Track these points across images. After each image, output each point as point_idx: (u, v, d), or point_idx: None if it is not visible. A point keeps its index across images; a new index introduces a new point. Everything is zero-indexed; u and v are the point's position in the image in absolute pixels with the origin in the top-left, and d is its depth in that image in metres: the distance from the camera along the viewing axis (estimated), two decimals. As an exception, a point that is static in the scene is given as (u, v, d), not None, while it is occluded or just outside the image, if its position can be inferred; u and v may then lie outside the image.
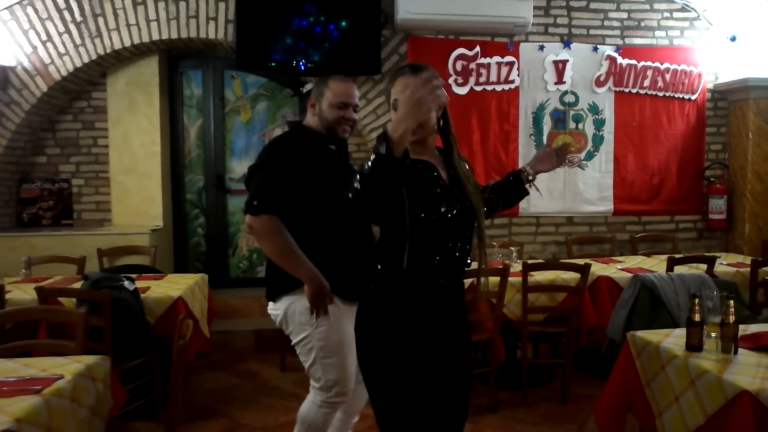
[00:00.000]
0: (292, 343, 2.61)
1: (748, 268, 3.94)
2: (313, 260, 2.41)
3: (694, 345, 2.35)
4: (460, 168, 2.00)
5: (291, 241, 2.39)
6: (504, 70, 5.16)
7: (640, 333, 2.63)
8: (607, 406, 2.70)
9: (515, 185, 2.25)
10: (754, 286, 3.79)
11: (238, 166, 5.65)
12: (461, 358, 2.00)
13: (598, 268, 4.15)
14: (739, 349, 2.32)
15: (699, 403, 2.16)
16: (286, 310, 2.52)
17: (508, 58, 5.16)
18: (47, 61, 4.84)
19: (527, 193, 2.28)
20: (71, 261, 4.36)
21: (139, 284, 3.61)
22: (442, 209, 1.89)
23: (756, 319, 3.11)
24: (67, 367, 2.19)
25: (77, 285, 3.47)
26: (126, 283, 3.28)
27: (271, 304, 2.60)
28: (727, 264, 4.28)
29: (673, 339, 2.48)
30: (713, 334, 2.36)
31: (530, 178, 2.26)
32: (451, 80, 5.07)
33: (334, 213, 2.49)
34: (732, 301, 2.31)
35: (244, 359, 4.82)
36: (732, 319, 2.29)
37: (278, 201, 2.38)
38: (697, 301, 2.36)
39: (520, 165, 5.18)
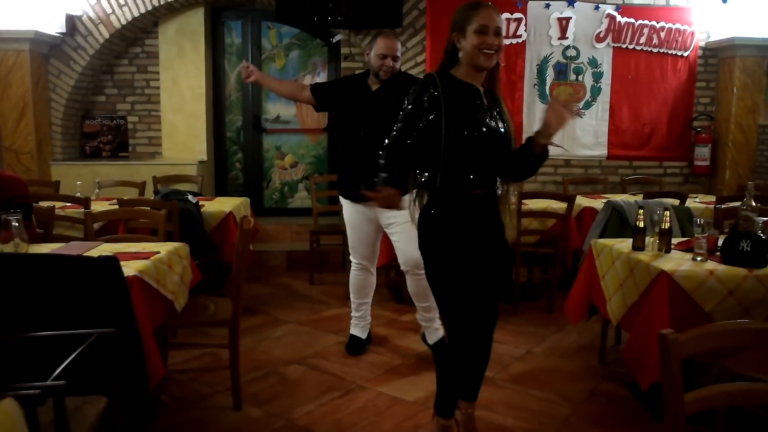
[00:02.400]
0: None
1: (717, 205, 4.56)
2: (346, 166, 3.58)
3: (638, 246, 3.03)
4: (500, 99, 2.45)
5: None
6: (513, 25, 5.73)
7: (601, 240, 3.32)
8: (573, 297, 3.41)
9: (527, 150, 2.37)
10: (718, 216, 4.41)
11: (273, 108, 6.34)
12: (499, 251, 2.45)
13: (584, 201, 4.81)
14: (672, 250, 3.00)
15: (635, 285, 2.86)
16: None
17: (517, 15, 5.72)
18: (109, 11, 5.51)
19: (546, 158, 2.38)
20: (133, 185, 5.10)
21: (196, 201, 4.35)
22: (482, 127, 2.30)
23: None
24: (160, 248, 2.93)
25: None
26: (189, 197, 4.02)
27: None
28: (700, 201, 4.91)
29: (625, 244, 3.16)
30: (654, 239, 3.04)
31: (547, 141, 2.32)
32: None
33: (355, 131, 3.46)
34: (668, 212, 2.98)
35: (277, 275, 5.59)
36: (667, 226, 2.97)
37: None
38: (641, 211, 3.03)
39: (525, 111, 5.86)
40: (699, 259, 2.79)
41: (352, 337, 3.78)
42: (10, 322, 1.94)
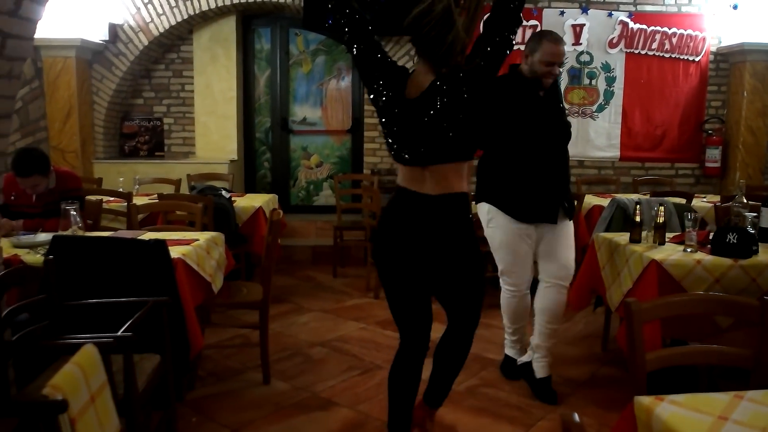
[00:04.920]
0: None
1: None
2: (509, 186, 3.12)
3: (635, 239, 3.28)
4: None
5: None
6: (528, 32, 5.98)
7: (602, 234, 3.58)
8: (577, 287, 3.66)
9: None
10: (718, 213, 4.61)
11: (300, 111, 6.68)
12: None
13: (594, 200, 5.05)
14: (667, 242, 3.25)
15: (630, 273, 3.11)
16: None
17: (532, 22, 5.99)
18: (148, 20, 5.90)
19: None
20: (170, 182, 5.46)
21: (229, 197, 4.69)
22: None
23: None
24: (199, 236, 3.26)
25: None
26: (223, 192, 4.36)
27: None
28: (707, 201, 5.12)
29: (623, 237, 3.40)
30: (650, 233, 3.28)
31: None
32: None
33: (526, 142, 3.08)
34: (663, 207, 3.23)
35: (303, 268, 5.92)
36: (662, 220, 3.22)
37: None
38: (638, 207, 3.28)
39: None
40: (689, 250, 3.03)
41: (507, 358, 3.45)
42: (78, 293, 2.27)
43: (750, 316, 1.75)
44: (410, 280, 2.28)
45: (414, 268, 2.25)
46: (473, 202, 3.24)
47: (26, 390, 1.86)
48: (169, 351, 2.17)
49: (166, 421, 2.17)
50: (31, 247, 2.94)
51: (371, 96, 2.29)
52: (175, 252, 2.81)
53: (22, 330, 1.99)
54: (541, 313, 3.20)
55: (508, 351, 3.47)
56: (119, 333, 1.72)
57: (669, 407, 1.34)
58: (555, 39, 3.04)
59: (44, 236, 3.07)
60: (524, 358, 3.36)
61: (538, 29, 6.00)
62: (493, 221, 3.15)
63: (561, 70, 3.32)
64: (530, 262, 3.19)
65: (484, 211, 3.21)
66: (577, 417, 0.99)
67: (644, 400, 1.38)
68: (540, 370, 3.21)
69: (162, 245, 2.51)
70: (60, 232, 2.96)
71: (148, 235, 3.20)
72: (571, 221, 3.24)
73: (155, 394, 2.20)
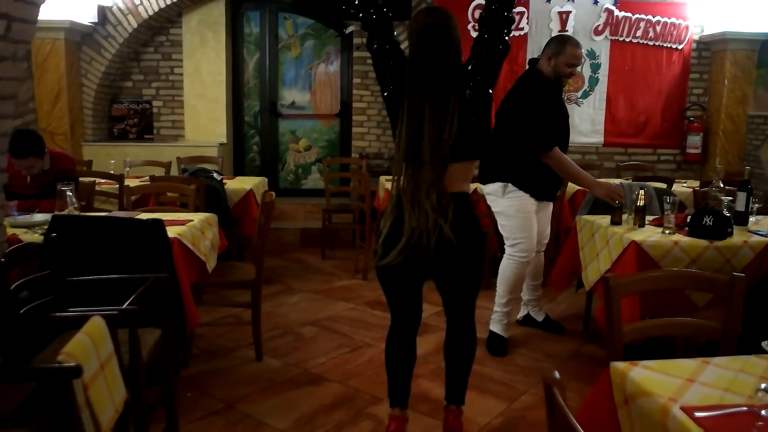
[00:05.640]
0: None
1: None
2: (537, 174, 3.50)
3: (616, 222, 3.40)
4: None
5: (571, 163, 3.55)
6: (516, 18, 6.07)
7: (584, 216, 3.70)
8: (559, 268, 3.79)
9: None
10: (697, 197, 4.75)
11: (288, 94, 6.74)
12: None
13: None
14: (647, 225, 3.37)
15: (609, 254, 3.23)
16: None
17: (519, 9, 6.06)
18: (137, 2, 5.90)
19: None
20: (160, 165, 5.48)
21: (220, 180, 4.75)
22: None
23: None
24: (193, 217, 3.33)
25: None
26: (215, 174, 4.42)
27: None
28: (687, 186, 5.26)
29: (604, 220, 3.53)
30: (631, 215, 3.40)
31: None
32: (469, 26, 6.01)
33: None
34: (643, 191, 3.35)
35: (292, 251, 6.00)
36: (642, 203, 3.34)
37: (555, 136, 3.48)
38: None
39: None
40: (667, 232, 3.15)
41: (494, 335, 3.64)
42: (77, 271, 2.34)
43: (721, 291, 1.87)
44: (412, 277, 2.36)
45: (418, 267, 2.29)
46: (479, 184, 3.75)
47: (35, 360, 1.94)
48: (169, 325, 2.26)
49: (167, 392, 2.26)
50: (28, 227, 3.00)
51: (384, 94, 2.37)
52: (171, 232, 2.88)
53: (24, 306, 2.06)
54: (528, 274, 3.79)
55: (495, 327, 3.65)
56: (124, 306, 1.81)
57: (641, 371, 1.45)
58: (576, 44, 3.54)
59: (41, 216, 3.13)
60: (521, 315, 4.04)
61: (526, 16, 6.09)
62: (511, 194, 3.53)
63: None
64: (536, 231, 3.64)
65: (495, 187, 3.58)
66: (557, 374, 1.09)
67: (619, 365, 1.49)
68: (539, 315, 3.99)
69: (159, 224, 2.59)
70: (57, 212, 3.02)
71: (143, 216, 3.27)
72: None
73: (153, 370, 2.29)
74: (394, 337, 2.51)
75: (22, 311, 1.94)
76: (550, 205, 3.82)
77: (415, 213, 2.15)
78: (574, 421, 1.00)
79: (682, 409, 1.26)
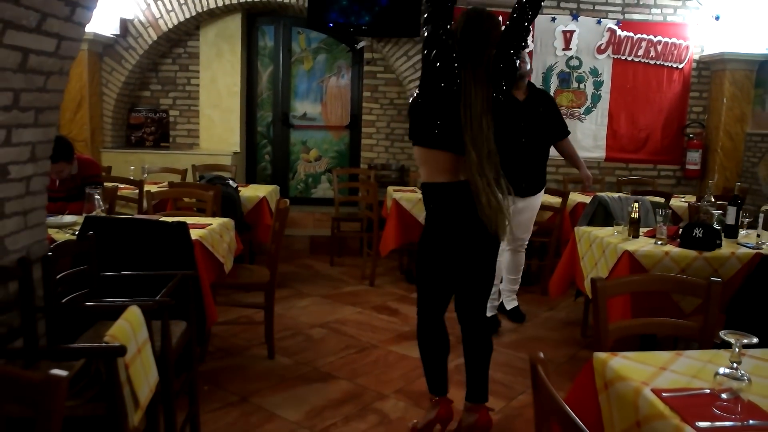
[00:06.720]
0: None
1: (696, 203, 5.10)
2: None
3: (634, 236, 3.57)
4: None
5: None
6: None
7: (582, 227, 3.88)
8: (557, 276, 3.97)
9: None
10: (691, 211, 4.92)
11: (300, 106, 6.96)
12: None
13: (578, 197, 5.36)
14: (641, 236, 3.55)
15: (606, 263, 3.41)
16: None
17: (525, 27, 6.27)
18: (157, 15, 6.15)
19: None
20: (176, 172, 5.72)
21: (234, 187, 4.96)
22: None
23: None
24: (212, 221, 3.54)
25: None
26: (230, 182, 4.63)
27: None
28: (685, 201, 5.44)
29: (601, 230, 3.71)
30: (625, 226, 3.59)
31: None
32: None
33: None
34: (638, 204, 3.54)
35: (301, 257, 6.20)
36: (636, 215, 3.52)
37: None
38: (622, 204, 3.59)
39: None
40: (660, 243, 3.34)
41: (516, 309, 4.46)
42: (108, 268, 2.54)
43: (699, 293, 2.05)
44: (450, 260, 2.63)
45: (458, 248, 2.60)
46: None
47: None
48: (193, 317, 2.45)
49: (190, 380, 2.45)
50: (59, 227, 3.21)
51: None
52: (193, 234, 3.08)
53: (65, 297, 2.26)
54: (510, 269, 4.35)
55: (511, 304, 4.44)
56: (157, 298, 2.00)
57: (620, 360, 1.64)
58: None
59: (70, 218, 3.34)
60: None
61: (531, 34, 6.29)
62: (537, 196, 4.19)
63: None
64: None
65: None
66: (542, 354, 1.28)
67: (601, 355, 1.67)
68: (510, 303, 4.46)
69: (183, 227, 2.79)
70: (86, 214, 3.22)
71: (165, 219, 3.48)
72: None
73: (177, 361, 2.48)
74: (425, 322, 2.73)
75: (63, 301, 2.14)
76: (531, 202, 4.15)
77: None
78: (555, 391, 1.19)
79: (653, 390, 1.45)
